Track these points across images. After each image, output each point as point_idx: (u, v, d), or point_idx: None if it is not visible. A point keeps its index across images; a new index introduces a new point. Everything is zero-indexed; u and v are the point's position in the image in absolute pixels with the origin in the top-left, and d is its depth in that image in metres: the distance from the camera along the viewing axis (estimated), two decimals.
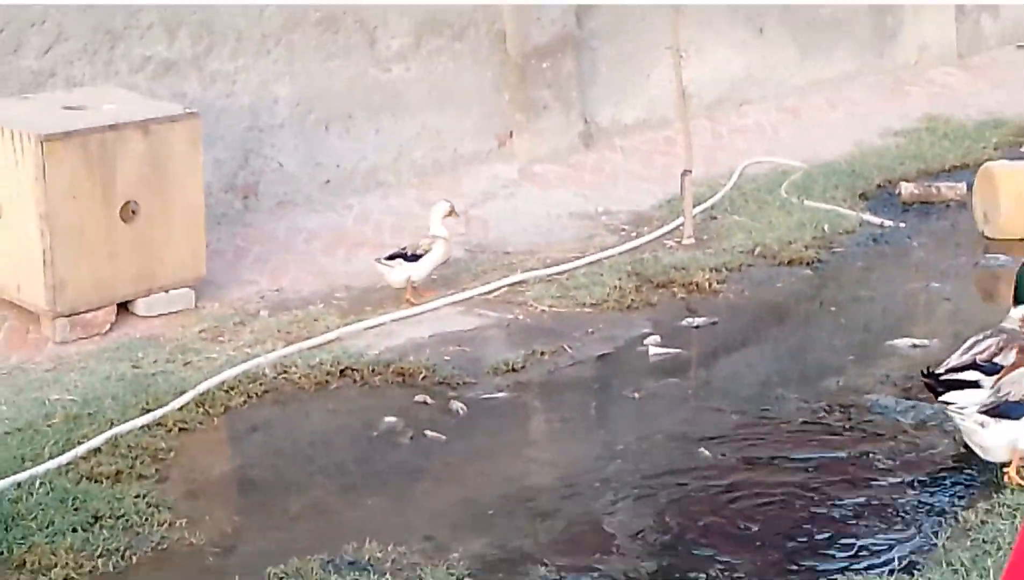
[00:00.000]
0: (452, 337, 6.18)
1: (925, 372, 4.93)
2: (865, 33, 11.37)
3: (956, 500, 4.42)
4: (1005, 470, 4.52)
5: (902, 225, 7.76)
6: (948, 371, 4.88)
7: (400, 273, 6.52)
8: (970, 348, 4.95)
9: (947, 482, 4.60)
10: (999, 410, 4.42)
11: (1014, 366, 4.79)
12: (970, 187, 7.90)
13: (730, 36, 10.25)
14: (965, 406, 4.52)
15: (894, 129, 10.01)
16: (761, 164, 8.96)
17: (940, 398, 4.81)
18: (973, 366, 4.85)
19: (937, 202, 8.18)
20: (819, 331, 6.31)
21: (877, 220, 7.83)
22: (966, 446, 4.68)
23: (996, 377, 4.77)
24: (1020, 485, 4.44)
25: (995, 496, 4.35)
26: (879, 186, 8.54)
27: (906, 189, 8.33)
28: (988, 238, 7.44)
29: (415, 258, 6.52)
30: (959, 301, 6.63)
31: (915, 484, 4.59)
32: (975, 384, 4.79)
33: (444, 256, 6.65)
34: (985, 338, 4.98)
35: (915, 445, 4.90)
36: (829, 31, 11.05)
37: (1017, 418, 4.39)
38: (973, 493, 4.43)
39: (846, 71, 11.12)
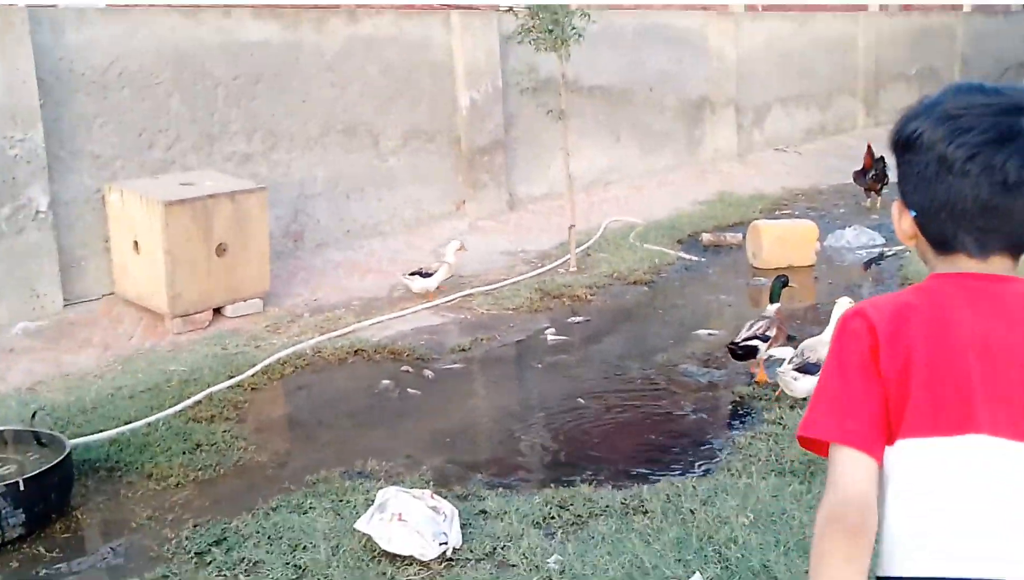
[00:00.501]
0: (426, 329, 6.17)
1: (729, 345, 4.98)
2: (682, 140, 11.52)
3: (733, 430, 4.44)
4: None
5: (703, 260, 7.85)
6: (743, 341, 4.93)
7: (418, 284, 6.63)
8: (750, 327, 5.01)
9: (728, 420, 4.63)
10: (804, 368, 4.47)
11: (776, 337, 4.95)
12: (745, 236, 8.02)
13: (599, 141, 10.34)
14: (786, 370, 4.53)
15: (699, 200, 10.13)
16: (617, 221, 9.03)
17: (740, 359, 4.95)
18: (755, 338, 4.93)
19: (725, 246, 8.28)
20: (652, 325, 6.34)
21: (688, 256, 7.93)
22: (742, 397, 4.80)
23: (767, 343, 4.88)
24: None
25: (757, 427, 4.37)
26: (689, 235, 8.62)
27: (706, 237, 8.43)
28: (755, 268, 7.54)
29: (428, 275, 6.62)
30: (737, 306, 6.70)
31: (708, 421, 4.63)
32: (756, 349, 4.89)
33: (448, 274, 6.72)
34: (757, 321, 5.06)
35: (709, 396, 4.94)
36: (660, 138, 11.18)
37: (815, 373, 4.36)
38: (743, 426, 4.46)
39: (670, 164, 11.26)
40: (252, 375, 5.23)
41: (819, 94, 13.99)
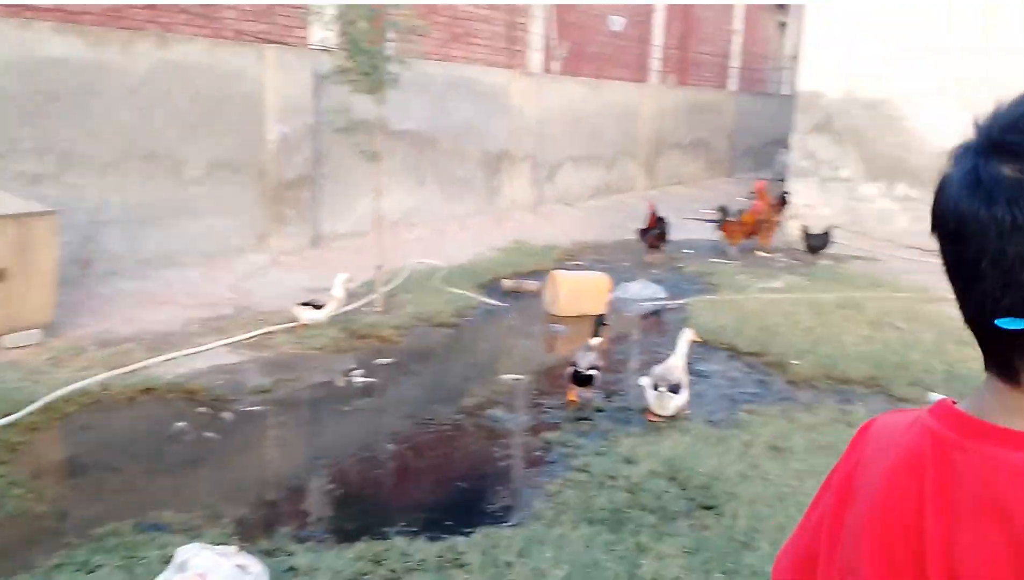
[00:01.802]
0: (223, 368, 5.72)
1: (575, 372, 5.20)
2: (482, 189, 11.59)
3: (543, 477, 4.34)
4: (649, 416, 4.98)
5: (504, 305, 7.83)
6: (588, 370, 5.17)
7: (309, 315, 6.41)
8: (585, 358, 5.23)
9: (537, 466, 4.51)
10: (672, 389, 4.86)
11: (604, 362, 5.43)
12: (543, 284, 8.07)
13: (405, 184, 10.19)
14: (653, 386, 4.91)
15: (497, 246, 10.17)
16: (422, 264, 8.90)
17: (581, 385, 5.23)
18: (594, 367, 5.20)
19: (524, 292, 8.31)
20: (458, 368, 6.19)
21: (490, 301, 7.88)
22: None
23: (598, 371, 5.25)
24: (658, 419, 4.93)
25: (565, 474, 4.28)
26: (490, 281, 8.62)
27: (506, 283, 8.45)
28: (552, 315, 7.59)
29: (319, 307, 6.42)
30: (536, 351, 6.72)
31: (518, 467, 4.51)
32: (594, 377, 5.21)
33: (338, 307, 6.56)
34: (587, 353, 5.29)
35: (517, 442, 4.83)
36: (462, 185, 11.18)
37: (678, 392, 4.89)
38: (552, 473, 4.40)
39: (470, 210, 11.28)
40: (30, 413, 4.62)
41: (606, 156, 14.57)
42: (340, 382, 5.67)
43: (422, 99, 10.25)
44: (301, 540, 3.61)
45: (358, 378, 5.74)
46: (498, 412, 5.22)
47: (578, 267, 9.37)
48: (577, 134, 13.59)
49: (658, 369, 5.03)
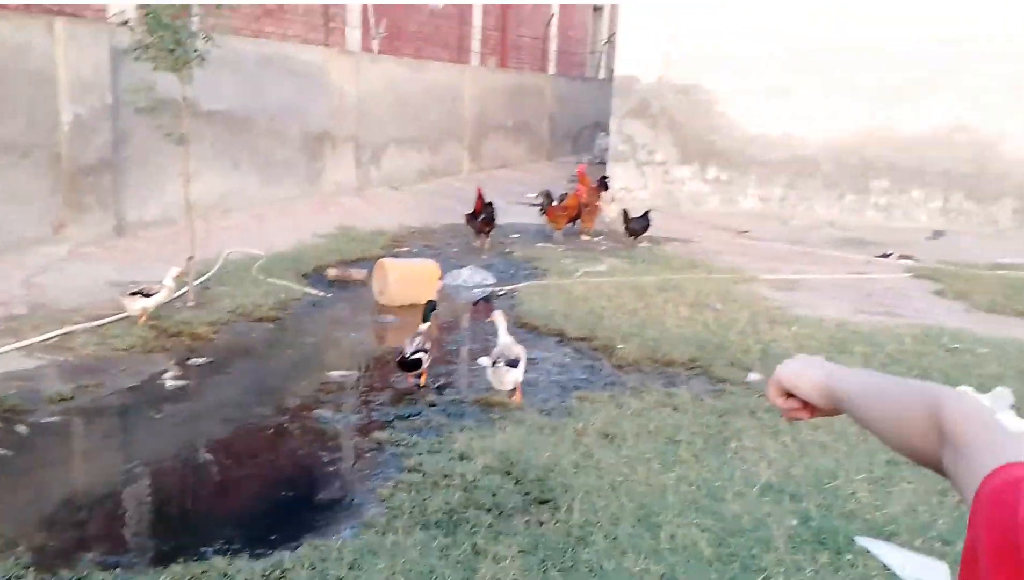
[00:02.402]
0: (17, 375, 5.15)
1: (400, 359, 5.24)
2: (303, 172, 11.15)
3: (374, 480, 4.13)
4: (511, 397, 5.13)
5: (329, 295, 7.55)
6: (412, 355, 5.23)
7: (139, 304, 6.11)
8: (412, 342, 5.28)
9: (368, 469, 4.29)
10: (510, 363, 5.05)
11: (431, 349, 5.45)
12: (370, 272, 7.89)
13: (218, 168, 9.63)
14: (491, 362, 5.10)
15: (321, 233, 9.84)
16: (239, 253, 8.44)
17: (408, 370, 5.29)
18: (420, 350, 5.26)
19: (350, 281, 8.07)
20: (281, 366, 5.86)
21: (314, 291, 7.59)
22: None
23: (427, 354, 5.33)
24: (520, 406, 5.06)
25: (397, 476, 4.10)
26: (314, 270, 8.31)
27: (331, 272, 8.16)
28: (381, 305, 7.40)
29: (149, 295, 6.08)
30: (367, 344, 6.49)
31: (348, 470, 4.29)
32: (421, 361, 5.28)
33: (168, 296, 6.27)
34: (415, 337, 5.33)
35: (347, 443, 4.61)
36: (281, 168, 10.71)
37: (516, 366, 5.08)
38: (384, 475, 4.20)
39: (291, 195, 10.83)
40: None
41: (431, 138, 14.40)
42: (150, 386, 5.24)
43: (234, 77, 9.70)
44: (108, 567, 3.27)
45: (170, 381, 5.33)
46: (325, 412, 4.98)
47: (407, 254, 9.20)
48: (401, 115, 13.34)
49: (497, 348, 5.22)
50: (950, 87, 11.93)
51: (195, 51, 6.18)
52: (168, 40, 5.98)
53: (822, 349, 6.13)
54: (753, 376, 5.58)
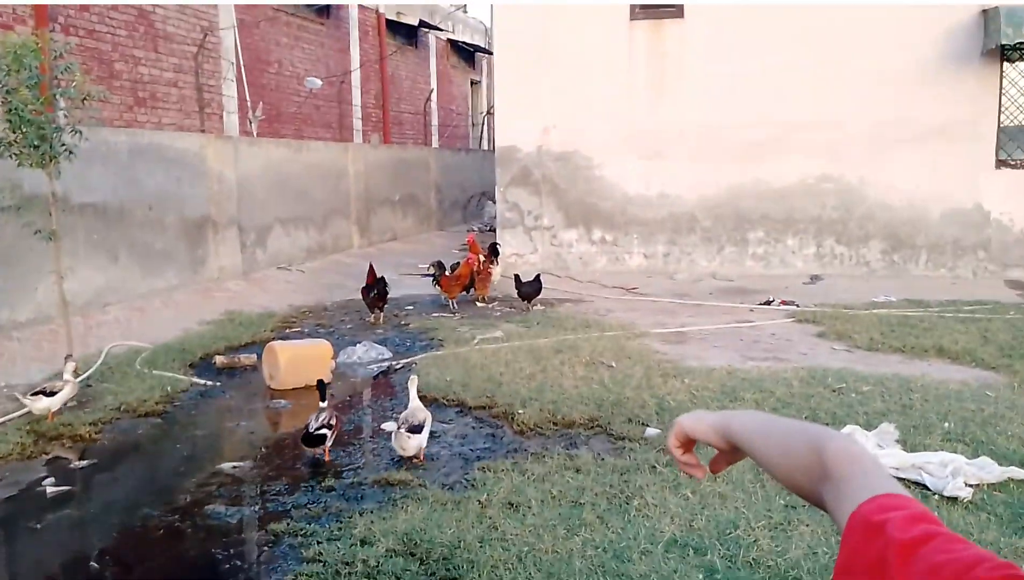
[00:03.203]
0: None
1: (304, 434, 5.36)
2: (185, 259, 10.85)
3: (273, 576, 3.97)
4: (418, 459, 5.32)
5: (218, 384, 7.30)
6: (316, 430, 5.35)
7: (42, 404, 5.96)
8: (318, 418, 5.41)
9: (266, 563, 4.08)
10: (413, 429, 5.23)
11: (337, 424, 5.56)
12: (259, 357, 7.69)
13: (94, 262, 9.27)
14: (396, 428, 5.29)
15: (207, 320, 9.54)
16: (121, 346, 8.09)
17: (312, 446, 5.38)
18: (324, 426, 5.40)
19: (239, 367, 7.83)
20: (171, 461, 5.59)
21: (202, 381, 7.32)
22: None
23: (332, 430, 5.45)
24: (422, 464, 5.35)
25: (297, 567, 3.93)
26: (201, 358, 8.01)
27: (219, 360, 7.89)
28: (272, 390, 7.19)
29: (52, 394, 5.91)
30: (260, 432, 6.25)
31: (244, 567, 4.07)
32: (325, 436, 5.40)
33: (73, 391, 6.15)
34: (320, 413, 5.46)
35: (241, 539, 4.40)
36: (162, 257, 10.40)
37: (419, 431, 5.27)
38: (281, 570, 4.04)
39: (173, 284, 10.50)
40: None
41: (316, 216, 14.28)
42: (30, 495, 4.91)
43: (107, 169, 9.42)
44: None
45: (51, 488, 5.01)
46: (218, 507, 4.76)
47: (298, 334, 9.01)
48: (284, 196, 13.20)
49: (404, 413, 5.41)
50: (812, 142, 12.62)
51: (62, 145, 5.98)
52: (32, 136, 5.77)
53: (714, 398, 6.26)
54: (651, 431, 5.64)
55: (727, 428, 1.28)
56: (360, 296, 10.01)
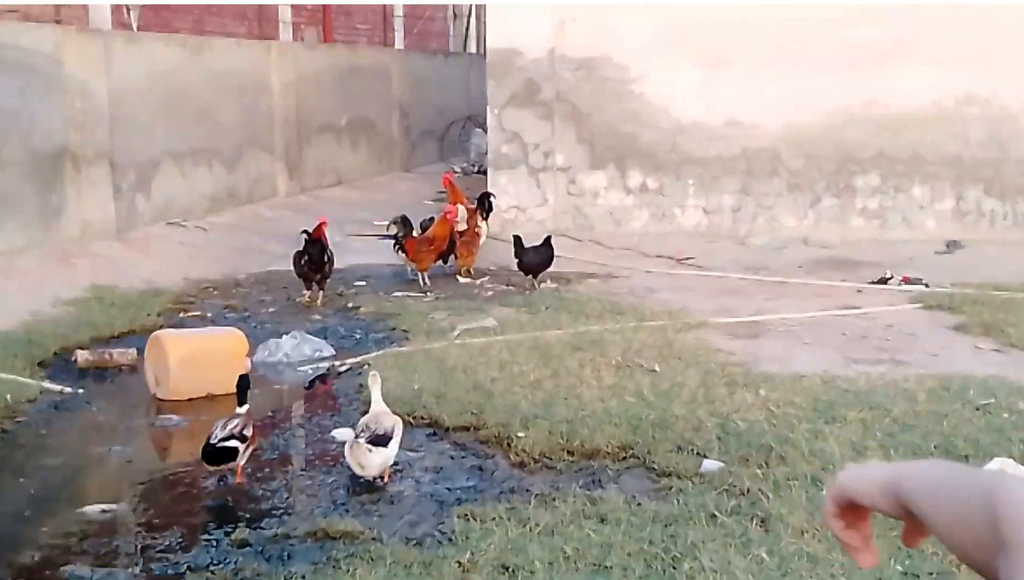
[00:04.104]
0: None
1: (204, 447, 5.48)
2: (33, 210, 10.83)
3: None
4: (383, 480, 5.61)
5: (81, 391, 7.29)
6: (221, 442, 5.46)
7: None
8: (225, 426, 5.55)
9: None
10: (376, 440, 5.44)
11: (253, 437, 5.70)
12: (141, 352, 7.67)
13: None
14: (359, 443, 5.42)
15: (65, 298, 9.54)
16: None
17: (217, 463, 5.55)
18: (233, 437, 5.50)
19: (111, 367, 7.82)
20: (9, 504, 5.60)
21: (57, 387, 7.30)
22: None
23: (246, 443, 5.59)
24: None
25: None
26: (56, 354, 8.01)
27: (82, 356, 7.89)
28: (160, 400, 7.19)
29: None
30: (140, 462, 6.27)
31: None
32: (236, 450, 5.52)
33: None
34: (230, 420, 5.62)
35: None
36: None
37: (387, 445, 5.50)
38: None
39: (17, 245, 10.48)
40: None
41: (225, 149, 14.27)
42: None
43: None
44: None
45: None
46: (81, 568, 4.78)
47: (197, 322, 9.05)
48: (177, 119, 13.18)
49: (364, 419, 5.67)
50: (952, 47, 12.55)
51: None
52: None
53: (803, 416, 6.29)
54: (710, 465, 5.66)
55: (898, 487, 1.29)
56: (291, 265, 10.01)
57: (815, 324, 8.93)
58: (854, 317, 9.20)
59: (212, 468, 5.57)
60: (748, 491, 5.29)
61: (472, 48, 25.30)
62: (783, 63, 12.95)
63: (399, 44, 21.79)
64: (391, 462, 5.57)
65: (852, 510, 1.35)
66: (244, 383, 5.95)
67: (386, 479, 5.60)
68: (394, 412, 6.58)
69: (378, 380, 5.93)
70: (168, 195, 12.98)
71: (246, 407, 5.82)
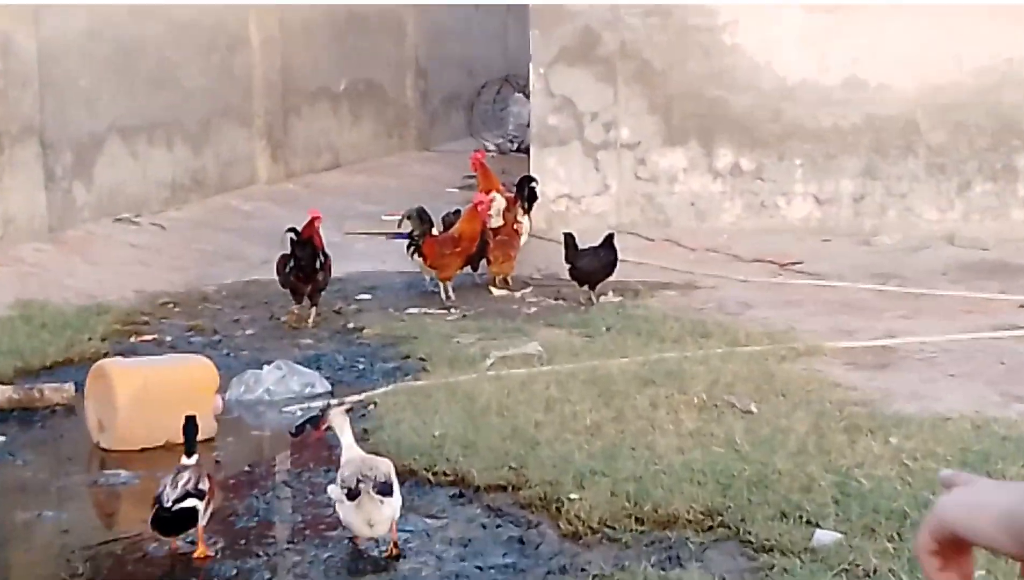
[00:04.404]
0: None
1: (158, 513, 5.54)
2: None
3: None
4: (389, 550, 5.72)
5: (2, 438, 7.35)
6: (174, 503, 5.51)
7: None
8: (176, 483, 5.59)
9: None
10: (383, 489, 5.54)
11: (211, 490, 5.79)
12: (80, 388, 7.71)
13: None
14: (345, 491, 5.56)
15: None
16: None
17: (175, 532, 5.69)
18: (189, 495, 5.56)
19: (41, 407, 7.86)
20: None
21: None
22: None
23: (205, 500, 5.66)
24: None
25: None
26: None
27: (3, 394, 7.95)
28: (105, 450, 7.21)
29: None
30: (78, 531, 6.28)
31: None
32: (196, 511, 5.60)
33: None
34: (180, 473, 5.69)
35: None
36: None
37: (391, 493, 5.60)
38: None
39: None
40: None
41: (191, 122, 14.33)
42: None
43: None
44: None
45: None
46: None
47: (153, 349, 9.11)
48: (127, 83, 13.26)
49: (348, 466, 5.74)
50: None
51: None
52: None
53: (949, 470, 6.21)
54: (824, 536, 5.63)
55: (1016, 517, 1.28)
56: (275, 273, 10.02)
57: (964, 350, 8.87)
58: (1015, 340, 9.12)
59: (167, 538, 5.60)
60: (875, 572, 5.25)
61: None
62: (921, 6, 12.86)
63: None
64: (397, 516, 5.67)
65: (953, 545, 1.34)
66: (191, 428, 6.01)
67: (396, 551, 5.66)
68: (405, 466, 6.60)
69: (346, 418, 6.05)
70: (115, 183, 13.05)
71: (195, 457, 5.88)
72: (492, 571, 5.58)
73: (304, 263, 9.80)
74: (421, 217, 10.84)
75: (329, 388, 8.25)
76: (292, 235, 9.84)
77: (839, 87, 13.21)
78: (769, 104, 13.36)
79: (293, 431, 7.64)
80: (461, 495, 6.43)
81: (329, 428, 7.21)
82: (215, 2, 14.90)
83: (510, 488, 6.40)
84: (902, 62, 13.01)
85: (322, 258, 9.85)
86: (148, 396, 7.32)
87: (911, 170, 13.18)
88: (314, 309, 9.90)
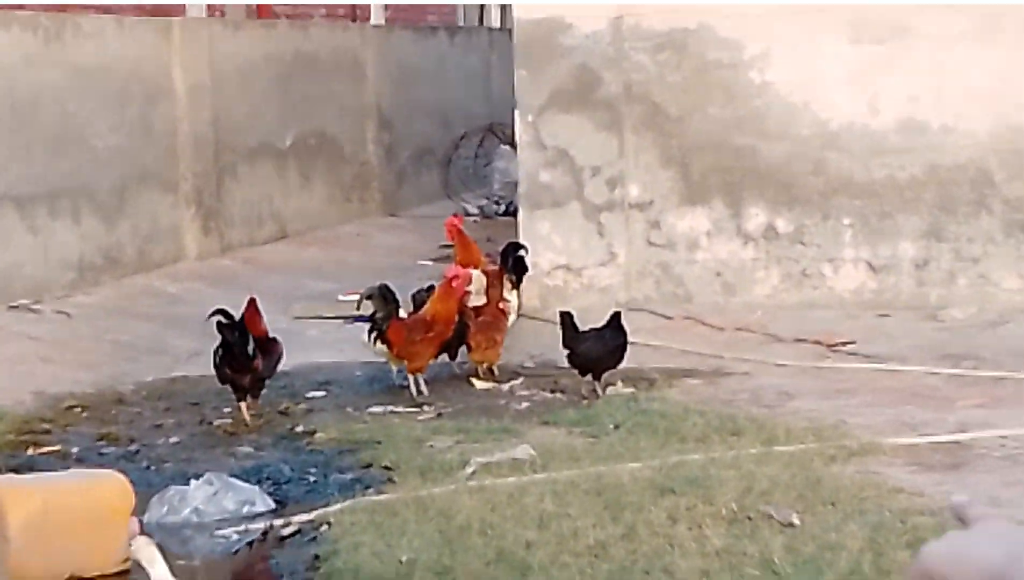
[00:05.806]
0: None
1: None
2: None
3: None
4: None
5: None
6: None
7: None
8: None
9: None
10: None
11: None
12: None
13: None
14: None
15: None
16: None
17: None
18: None
19: None
20: None
21: None
22: None
23: None
24: None
25: None
26: None
27: None
28: None
29: None
30: None
31: None
32: None
33: None
34: None
35: None
36: None
37: None
38: None
39: None
40: None
41: (102, 188, 14.38)
42: None
43: None
44: None
45: None
46: None
47: (55, 463, 9.09)
48: (23, 142, 13.31)
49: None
50: None
51: None
52: None
53: None
54: None
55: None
56: (215, 364, 10.01)
57: None
58: None
59: None
60: None
61: (494, 20, 25.54)
62: (993, 32, 12.96)
63: (377, 18, 21.99)
64: None
65: None
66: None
67: None
68: None
69: (155, 553, 5.98)
70: (9, 263, 13.07)
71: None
72: None
73: (237, 352, 9.78)
74: (385, 296, 10.84)
75: (272, 506, 8.22)
76: (220, 318, 9.83)
77: (894, 131, 13.27)
78: (809, 153, 13.41)
79: (230, 556, 7.62)
80: None
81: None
82: (129, 42, 14.97)
83: None
84: (971, 100, 13.08)
85: (254, 347, 9.81)
86: (47, 521, 7.29)
87: (985, 229, 13.21)
88: (248, 408, 9.84)
